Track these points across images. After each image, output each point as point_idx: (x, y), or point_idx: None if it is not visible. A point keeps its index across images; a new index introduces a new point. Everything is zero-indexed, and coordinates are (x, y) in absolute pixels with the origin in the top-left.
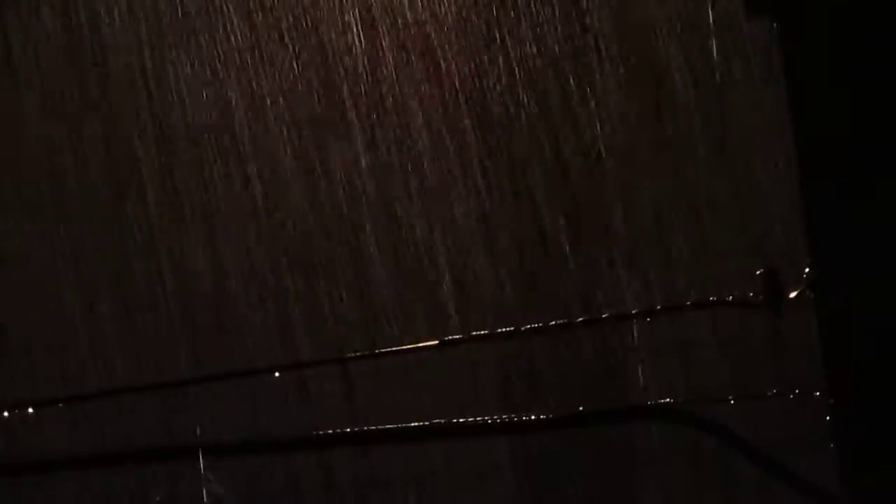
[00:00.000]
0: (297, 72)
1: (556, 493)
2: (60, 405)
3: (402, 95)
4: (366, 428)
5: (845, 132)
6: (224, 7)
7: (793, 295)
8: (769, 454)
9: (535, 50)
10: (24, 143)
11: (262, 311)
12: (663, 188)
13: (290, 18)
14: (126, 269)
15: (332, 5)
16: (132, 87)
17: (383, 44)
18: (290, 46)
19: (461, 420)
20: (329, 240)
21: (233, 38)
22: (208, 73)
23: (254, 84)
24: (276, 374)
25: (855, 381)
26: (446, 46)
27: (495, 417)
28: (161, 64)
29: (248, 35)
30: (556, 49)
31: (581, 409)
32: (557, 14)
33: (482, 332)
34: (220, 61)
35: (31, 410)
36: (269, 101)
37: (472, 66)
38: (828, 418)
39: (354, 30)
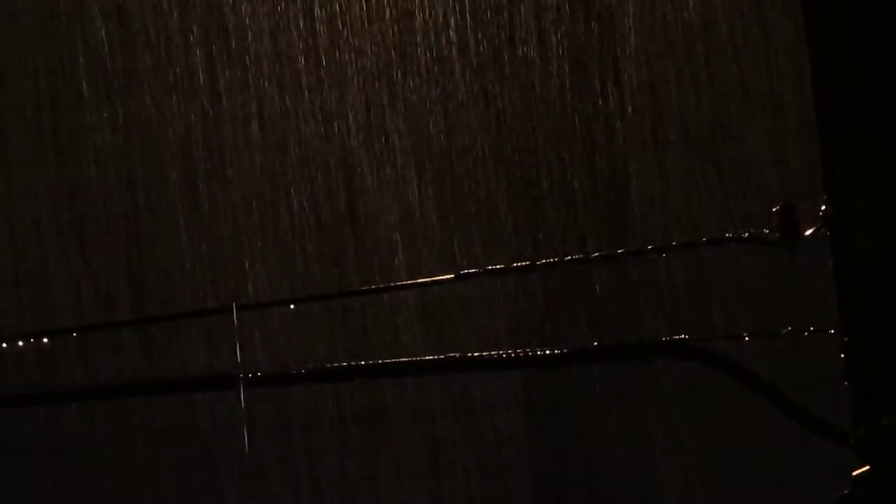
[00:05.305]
0: None
1: (568, 429)
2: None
3: None
4: (380, 361)
5: (862, 66)
6: None
7: (809, 232)
8: (783, 392)
9: None
10: None
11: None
12: (680, 126)
13: None
14: None
15: None
16: None
17: None
18: None
19: (475, 354)
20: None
21: None
22: None
23: None
24: (291, 307)
25: (870, 319)
26: None
27: (510, 352)
28: None
29: None
30: None
31: (595, 344)
32: None
33: (498, 267)
34: None
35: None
36: None
37: None
38: (842, 356)
39: None
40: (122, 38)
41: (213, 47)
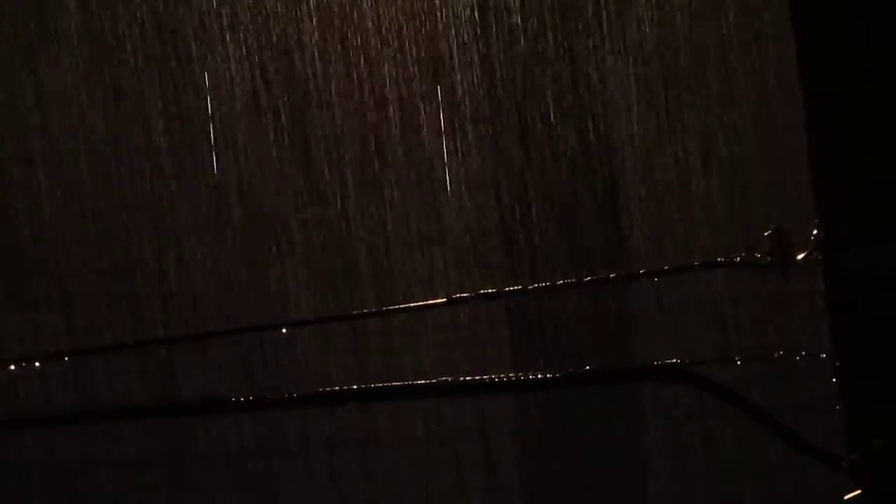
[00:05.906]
0: None
1: (560, 452)
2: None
3: None
4: (373, 385)
5: (855, 91)
6: None
7: (801, 256)
8: (775, 415)
9: None
10: None
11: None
12: (673, 150)
13: None
14: None
15: None
16: None
17: None
18: None
19: (467, 378)
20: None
21: None
22: None
23: None
24: (284, 331)
25: (861, 342)
26: None
27: (502, 376)
28: None
29: None
30: None
31: (588, 368)
32: None
33: (490, 291)
34: None
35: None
36: None
37: None
38: (834, 380)
39: None
40: None
41: None
